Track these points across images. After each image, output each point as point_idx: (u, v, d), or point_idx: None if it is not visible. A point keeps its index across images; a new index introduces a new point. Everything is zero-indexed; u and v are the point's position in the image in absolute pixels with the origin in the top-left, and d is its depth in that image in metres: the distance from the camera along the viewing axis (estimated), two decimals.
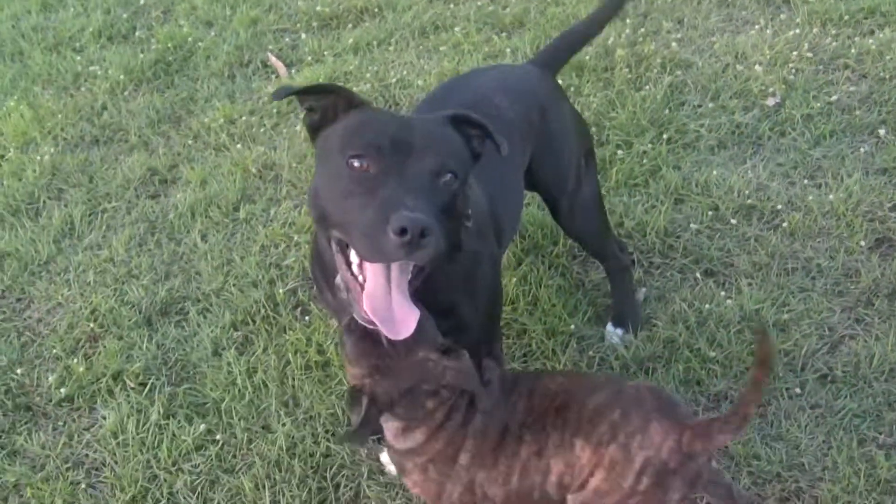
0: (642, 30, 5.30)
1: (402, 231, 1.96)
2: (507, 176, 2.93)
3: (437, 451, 2.34)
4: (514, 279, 3.70)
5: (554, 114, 3.11)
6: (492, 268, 2.71)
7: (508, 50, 5.25)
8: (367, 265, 2.15)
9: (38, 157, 4.94)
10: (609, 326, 3.51)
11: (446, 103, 2.97)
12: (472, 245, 2.50)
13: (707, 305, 3.50)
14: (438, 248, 2.07)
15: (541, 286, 3.67)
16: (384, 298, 2.13)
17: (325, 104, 2.34)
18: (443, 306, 2.47)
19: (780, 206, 3.92)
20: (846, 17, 5.14)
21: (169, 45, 5.89)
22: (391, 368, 2.21)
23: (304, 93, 2.35)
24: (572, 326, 3.50)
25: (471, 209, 2.45)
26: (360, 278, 2.18)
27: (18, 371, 3.68)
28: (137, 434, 3.33)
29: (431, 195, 2.12)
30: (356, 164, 2.14)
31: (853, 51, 4.84)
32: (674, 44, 5.13)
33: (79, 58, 5.96)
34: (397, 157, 2.14)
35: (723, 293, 3.57)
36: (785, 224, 3.83)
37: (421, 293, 2.25)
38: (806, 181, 4.06)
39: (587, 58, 4.96)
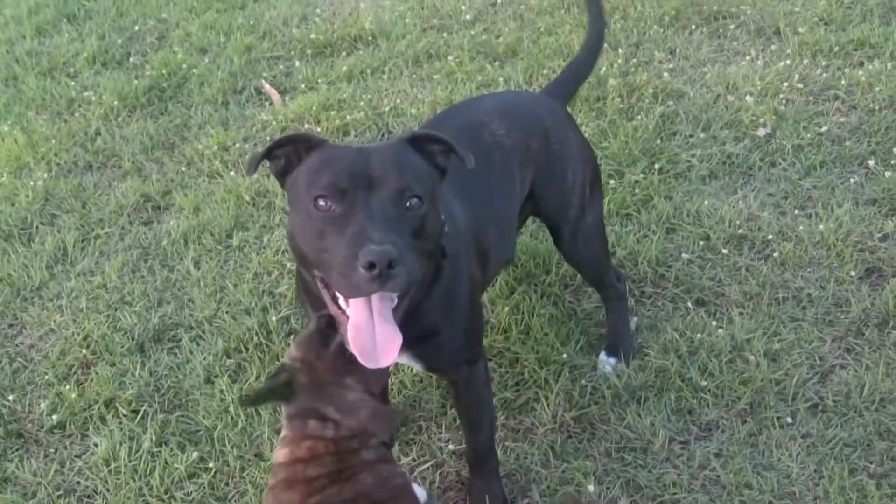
0: (634, 60, 5.34)
1: (371, 265, 2.00)
2: (496, 199, 2.95)
3: (279, 480, 2.33)
4: (507, 308, 3.71)
5: (557, 140, 3.12)
6: (469, 286, 2.71)
7: (501, 79, 5.29)
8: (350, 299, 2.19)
9: (32, 183, 4.95)
10: (602, 355, 3.52)
11: (441, 128, 3.00)
12: (452, 272, 2.54)
13: (699, 335, 3.52)
14: (411, 275, 2.11)
15: (533, 315, 3.68)
16: (367, 330, 2.16)
17: (287, 151, 2.38)
18: (425, 329, 2.52)
19: (770, 236, 3.94)
20: (836, 49, 5.19)
21: (163, 71, 5.91)
22: (317, 370, 2.25)
23: (269, 152, 2.37)
24: (565, 355, 3.50)
25: (446, 228, 2.47)
26: (347, 311, 2.20)
27: (10, 397, 3.67)
28: (130, 461, 3.32)
29: (397, 223, 2.15)
30: (322, 203, 2.17)
31: (843, 82, 4.88)
32: (665, 74, 5.16)
33: (73, 83, 5.99)
34: (359, 191, 2.17)
35: (714, 323, 3.58)
36: (776, 254, 3.85)
37: (404, 317, 2.28)
38: (796, 211, 4.08)
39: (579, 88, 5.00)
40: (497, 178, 2.95)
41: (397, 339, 2.18)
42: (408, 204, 2.20)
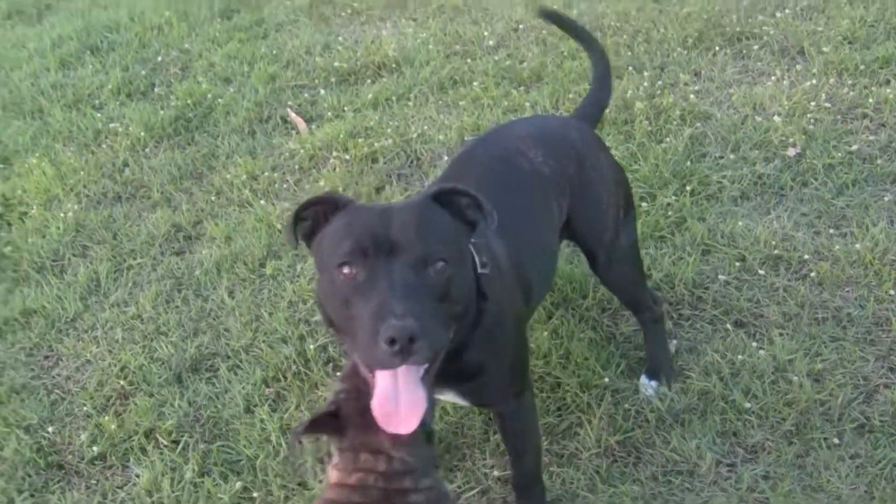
0: (660, 82, 5.35)
1: (392, 341, 1.96)
2: (536, 229, 2.94)
3: (326, 500, 2.29)
4: (546, 333, 3.70)
5: (591, 164, 3.10)
6: (514, 323, 2.70)
7: (528, 104, 5.30)
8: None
9: (62, 214, 4.96)
10: (643, 379, 3.50)
11: (475, 157, 3.00)
12: (492, 305, 2.49)
13: (739, 356, 3.50)
14: (434, 346, 2.08)
15: (572, 339, 3.67)
16: (391, 398, 2.11)
17: (314, 212, 2.34)
18: (469, 368, 2.50)
19: (806, 256, 3.93)
20: (861, 67, 5.19)
21: (188, 101, 5.94)
22: (365, 397, 2.18)
23: (296, 218, 2.34)
24: (606, 379, 3.49)
25: (489, 266, 2.46)
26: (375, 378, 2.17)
27: (49, 429, 3.67)
28: (172, 492, 3.31)
29: (421, 291, 2.09)
30: (345, 271, 2.13)
31: (871, 100, 4.88)
32: (692, 96, 5.17)
33: (99, 115, 6.02)
34: (381, 257, 2.12)
35: (754, 344, 3.57)
36: (813, 274, 3.84)
37: (449, 356, 2.25)
38: (831, 231, 4.07)
39: (607, 111, 4.99)
40: (537, 207, 2.94)
41: (422, 406, 2.12)
42: (433, 268, 2.14)
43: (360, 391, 2.22)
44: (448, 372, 2.30)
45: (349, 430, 2.21)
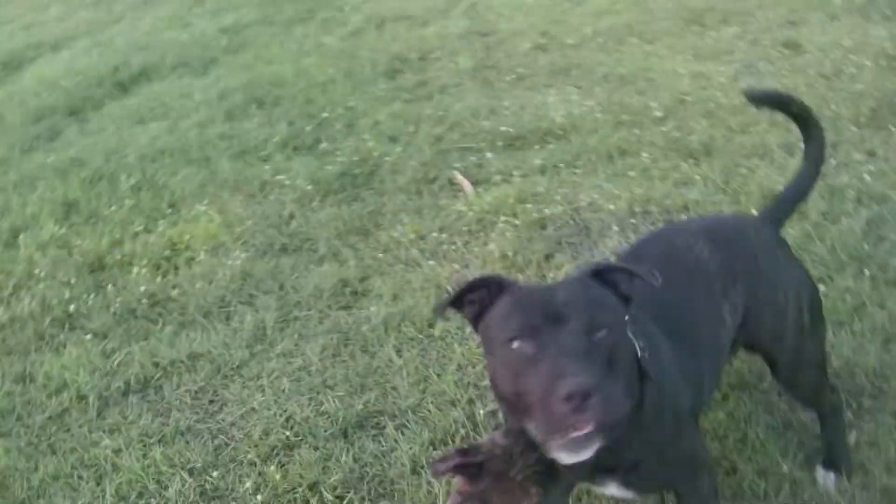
0: (833, 161, 5.23)
1: (570, 396, 2.00)
2: (700, 325, 2.87)
3: None
4: (722, 414, 3.61)
5: (766, 262, 3.02)
6: (676, 418, 2.64)
7: (698, 177, 5.23)
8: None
9: (229, 262, 5.07)
10: (820, 469, 3.37)
11: (640, 255, 3.00)
12: (652, 389, 2.47)
13: None
14: (610, 405, 2.09)
15: (749, 423, 3.56)
16: None
17: (481, 295, 2.40)
18: (631, 459, 2.48)
19: None
20: None
21: (354, 158, 6.04)
22: (514, 465, 2.27)
23: (459, 297, 2.42)
24: (785, 468, 3.37)
25: (647, 351, 2.46)
26: None
27: (214, 474, 3.71)
28: None
29: (590, 355, 2.13)
30: (514, 346, 2.19)
31: None
32: (866, 176, 5.04)
33: (266, 167, 6.15)
34: (550, 329, 2.17)
35: None
36: None
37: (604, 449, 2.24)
38: None
39: (779, 188, 4.90)
40: (700, 303, 2.88)
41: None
42: (598, 335, 2.18)
43: (513, 458, 2.28)
44: (609, 461, 2.33)
45: (482, 481, 2.29)
